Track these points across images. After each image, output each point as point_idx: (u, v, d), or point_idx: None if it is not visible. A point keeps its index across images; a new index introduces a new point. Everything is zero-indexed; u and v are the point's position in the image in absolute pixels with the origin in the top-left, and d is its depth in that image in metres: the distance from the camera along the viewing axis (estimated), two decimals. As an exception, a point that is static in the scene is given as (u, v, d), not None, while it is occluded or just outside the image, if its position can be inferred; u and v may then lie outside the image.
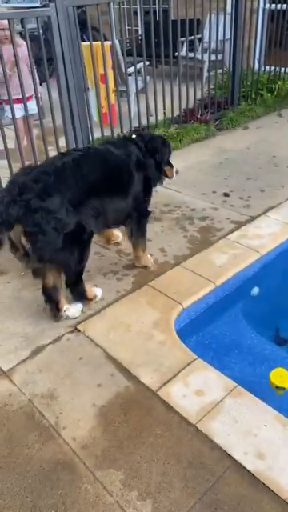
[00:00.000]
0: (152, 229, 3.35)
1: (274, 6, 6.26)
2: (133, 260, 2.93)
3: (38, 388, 2.06)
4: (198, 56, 5.95)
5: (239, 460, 1.70)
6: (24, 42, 3.83)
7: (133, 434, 1.83)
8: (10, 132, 3.83)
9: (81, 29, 4.28)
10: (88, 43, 4.22)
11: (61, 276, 2.39)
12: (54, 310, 2.44)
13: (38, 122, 3.98)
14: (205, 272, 2.80)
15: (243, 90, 5.87)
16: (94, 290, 2.60)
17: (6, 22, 3.46)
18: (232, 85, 5.66)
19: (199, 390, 2.00)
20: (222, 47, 5.84)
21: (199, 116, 5.27)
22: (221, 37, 5.45)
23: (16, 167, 3.68)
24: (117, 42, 4.86)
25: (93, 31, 4.41)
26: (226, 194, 3.83)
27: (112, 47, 4.52)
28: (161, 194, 3.31)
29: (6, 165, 3.63)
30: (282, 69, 6.36)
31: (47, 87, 3.84)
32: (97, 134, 4.42)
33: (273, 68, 6.27)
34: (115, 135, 4.39)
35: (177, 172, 3.02)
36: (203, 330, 2.63)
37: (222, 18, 5.34)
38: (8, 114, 3.89)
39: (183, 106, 5.18)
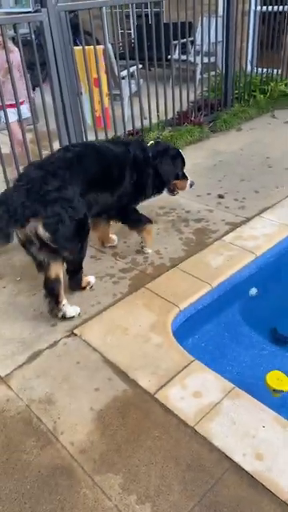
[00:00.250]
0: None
1: (265, 8, 6.31)
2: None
3: (36, 393, 2.05)
4: (191, 59, 5.97)
5: (238, 461, 1.70)
6: (16, 48, 3.83)
7: (131, 437, 1.83)
8: (2, 137, 3.83)
9: (73, 33, 4.29)
10: (81, 47, 4.22)
11: (63, 267, 2.49)
12: (53, 303, 2.46)
13: (32, 126, 3.99)
14: (201, 274, 2.80)
15: (236, 91, 5.90)
16: (88, 278, 2.76)
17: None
18: (225, 87, 5.69)
19: (197, 392, 2.00)
20: (215, 50, 5.88)
21: (193, 118, 5.29)
22: (213, 39, 5.49)
23: (9, 172, 3.69)
24: (109, 46, 4.87)
25: (85, 35, 4.42)
26: (221, 196, 3.84)
27: (105, 51, 4.53)
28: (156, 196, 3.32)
29: (0, 169, 3.63)
30: (275, 70, 6.40)
31: (40, 92, 3.84)
32: (91, 138, 4.42)
33: (265, 70, 6.30)
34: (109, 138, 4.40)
35: (191, 185, 3.10)
36: (200, 332, 2.62)
37: (213, 20, 5.38)
38: (2, 118, 3.89)
39: (177, 108, 5.20)
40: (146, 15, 4.77)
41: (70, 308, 2.50)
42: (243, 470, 1.67)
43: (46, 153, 3.90)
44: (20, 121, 3.84)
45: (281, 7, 6.25)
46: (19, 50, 3.62)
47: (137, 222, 3.01)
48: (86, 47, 4.25)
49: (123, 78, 5.03)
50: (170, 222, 3.50)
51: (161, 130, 5.01)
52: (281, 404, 2.12)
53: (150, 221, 3.06)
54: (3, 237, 2.11)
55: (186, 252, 3.07)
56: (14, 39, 4.50)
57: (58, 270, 2.43)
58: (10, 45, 4.02)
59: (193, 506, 1.57)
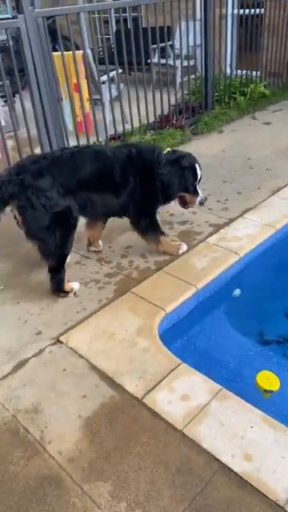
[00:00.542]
0: (132, 236, 3.35)
1: (242, 11, 6.39)
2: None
3: (22, 403, 2.02)
4: (171, 62, 6.01)
5: (227, 463, 1.69)
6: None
7: (119, 443, 1.81)
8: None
9: (52, 39, 4.29)
10: (60, 53, 4.21)
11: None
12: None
13: (13, 133, 3.96)
14: (186, 276, 2.80)
15: (216, 94, 5.95)
16: (71, 284, 2.72)
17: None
18: (205, 89, 5.73)
19: (185, 395, 1.99)
20: (194, 53, 5.92)
21: (174, 121, 5.32)
22: (192, 43, 5.53)
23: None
24: (89, 51, 4.87)
25: (65, 41, 4.42)
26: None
27: (84, 56, 4.53)
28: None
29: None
30: (254, 72, 6.48)
31: (20, 99, 3.82)
32: (73, 143, 4.41)
33: (244, 72, 6.37)
34: (91, 143, 4.39)
35: (202, 202, 2.90)
36: (187, 334, 2.63)
37: (192, 24, 5.42)
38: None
39: (158, 112, 5.23)
40: (125, 20, 4.78)
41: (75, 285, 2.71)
42: (232, 471, 1.67)
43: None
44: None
45: (257, 10, 6.34)
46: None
47: (145, 230, 2.94)
48: (65, 53, 4.24)
49: (103, 83, 5.03)
50: (146, 241, 3.48)
51: (143, 134, 5.03)
52: (270, 403, 2.13)
53: (161, 233, 3.00)
54: None
55: (171, 255, 3.07)
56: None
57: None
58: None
59: (183, 509, 1.57)
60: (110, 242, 3.27)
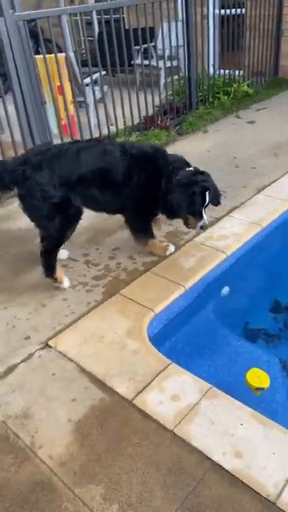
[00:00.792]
0: (119, 237, 3.36)
1: (223, 11, 6.43)
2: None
3: (12, 408, 2.01)
4: (154, 63, 6.03)
5: (218, 461, 1.70)
6: None
7: (111, 446, 1.81)
8: None
9: (34, 42, 4.27)
10: (42, 56, 4.20)
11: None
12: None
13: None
14: (174, 276, 2.81)
15: (200, 94, 5.97)
16: (63, 276, 2.81)
17: None
18: (189, 90, 5.75)
19: (175, 395, 2.00)
20: (177, 53, 5.95)
21: (159, 122, 5.33)
22: (174, 43, 5.55)
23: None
24: (71, 54, 4.87)
25: (47, 43, 4.41)
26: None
27: (67, 59, 4.52)
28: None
29: None
30: (237, 72, 6.52)
31: (3, 102, 3.80)
32: (58, 146, 4.41)
33: (227, 71, 6.41)
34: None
35: (202, 227, 2.80)
36: (176, 334, 2.63)
37: (174, 25, 5.44)
38: None
39: (143, 113, 5.24)
40: (107, 22, 4.79)
41: (62, 253, 2.93)
42: (223, 469, 1.68)
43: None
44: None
45: (238, 10, 6.39)
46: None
47: (137, 231, 2.97)
48: (48, 55, 4.23)
49: (87, 85, 5.03)
50: (133, 241, 3.48)
51: (128, 135, 5.03)
52: (259, 400, 2.15)
53: (151, 237, 3.02)
54: None
55: (158, 256, 3.08)
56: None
57: None
58: None
59: (175, 509, 1.57)
60: (98, 245, 3.27)
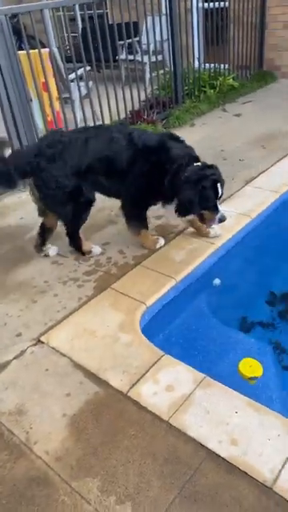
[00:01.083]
0: (109, 232, 3.35)
1: (206, 4, 6.42)
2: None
3: (5, 405, 1.99)
4: (139, 58, 6.00)
5: (214, 449, 1.71)
6: None
7: (106, 438, 1.81)
8: None
9: (17, 38, 4.22)
10: (25, 52, 4.15)
11: (57, 222, 3.00)
12: (39, 242, 3.07)
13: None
14: (165, 269, 2.81)
15: (186, 88, 5.97)
16: (91, 246, 3.04)
17: None
18: (175, 84, 5.75)
19: (169, 386, 2.00)
20: (161, 48, 5.93)
21: (146, 117, 5.32)
22: (159, 38, 5.54)
23: None
24: (55, 49, 4.82)
25: (30, 39, 4.36)
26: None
27: (51, 54, 4.48)
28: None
29: None
30: (222, 65, 6.53)
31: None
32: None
33: (213, 65, 6.42)
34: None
35: (222, 219, 2.75)
36: (169, 326, 2.63)
37: (158, 19, 5.42)
38: None
39: (129, 108, 5.22)
40: (91, 17, 4.75)
41: (52, 250, 3.10)
42: (220, 456, 1.68)
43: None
44: None
45: (222, 3, 6.39)
46: None
47: (131, 218, 2.96)
48: (31, 51, 4.19)
49: (72, 81, 4.99)
50: (126, 228, 3.48)
51: (115, 131, 5.00)
52: (254, 387, 2.16)
53: (143, 227, 3.01)
54: (9, 182, 2.72)
55: (148, 249, 3.07)
56: None
57: (54, 222, 3.01)
58: None
59: (173, 498, 1.57)
60: (87, 240, 3.24)
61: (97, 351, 2.24)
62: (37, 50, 4.22)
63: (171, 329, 2.62)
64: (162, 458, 1.71)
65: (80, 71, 4.95)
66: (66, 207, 2.79)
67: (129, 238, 3.22)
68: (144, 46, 6.35)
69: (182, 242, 3.11)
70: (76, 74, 4.79)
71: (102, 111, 4.87)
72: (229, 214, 3.37)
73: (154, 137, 2.85)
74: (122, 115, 5.13)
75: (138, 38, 6.48)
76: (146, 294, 2.61)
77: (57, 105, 4.66)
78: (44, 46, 4.77)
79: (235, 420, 1.82)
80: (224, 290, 2.93)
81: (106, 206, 3.45)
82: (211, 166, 2.77)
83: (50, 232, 3.05)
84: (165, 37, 5.55)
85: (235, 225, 3.24)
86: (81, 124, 4.82)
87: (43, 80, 4.38)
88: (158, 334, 2.54)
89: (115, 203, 3.59)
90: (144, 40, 6.25)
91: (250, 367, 2.22)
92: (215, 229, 3.08)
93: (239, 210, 3.41)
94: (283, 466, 1.62)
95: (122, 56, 5.85)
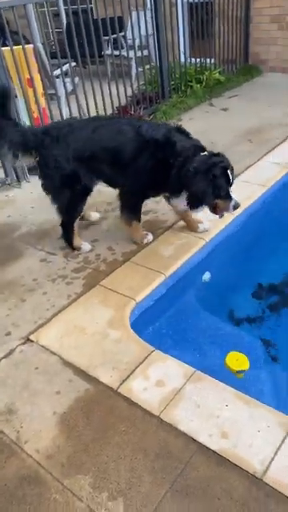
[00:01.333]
0: (97, 229, 3.34)
1: (191, -2, 6.40)
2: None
3: (-5, 405, 1.98)
4: (124, 53, 5.97)
5: (204, 443, 1.72)
6: None
7: (97, 435, 1.81)
8: None
9: (0, 34, 4.17)
10: (9, 48, 4.10)
11: None
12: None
13: None
14: (154, 265, 2.81)
15: (173, 83, 5.95)
16: (81, 243, 3.05)
17: None
18: (161, 79, 5.72)
19: (159, 381, 2.00)
20: (147, 43, 5.90)
21: (133, 112, 5.29)
22: (144, 32, 5.50)
23: None
24: (40, 45, 4.77)
25: (14, 35, 4.31)
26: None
27: (35, 50, 4.43)
28: (103, 192, 3.29)
29: None
30: (208, 59, 6.52)
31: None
32: (30, 140, 4.33)
33: (199, 59, 6.40)
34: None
35: (235, 207, 2.70)
36: (159, 322, 2.64)
37: (142, 14, 5.39)
38: None
39: (115, 103, 5.19)
40: (75, 13, 4.71)
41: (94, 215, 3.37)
42: (210, 450, 1.69)
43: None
44: None
45: (207, -3, 6.37)
46: None
47: (124, 207, 2.93)
48: (15, 47, 4.13)
49: (57, 77, 4.95)
50: (119, 217, 3.48)
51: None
52: (243, 380, 2.17)
53: (136, 219, 2.99)
54: (13, 156, 2.78)
55: (137, 245, 3.06)
56: None
57: None
58: None
59: (164, 493, 1.58)
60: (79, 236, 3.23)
61: (86, 348, 2.23)
62: (21, 46, 4.17)
63: (161, 324, 2.63)
64: (153, 453, 1.71)
65: (65, 67, 4.91)
66: (61, 191, 2.82)
67: (118, 235, 3.22)
68: (129, 41, 6.31)
69: (171, 237, 3.11)
70: (61, 70, 4.75)
71: (88, 107, 4.84)
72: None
73: (161, 131, 2.79)
74: (109, 111, 5.10)
75: (123, 33, 6.44)
76: (135, 289, 2.61)
77: (42, 101, 4.61)
78: (28, 42, 4.71)
79: (225, 413, 1.84)
80: (213, 284, 2.94)
81: (95, 202, 3.43)
82: (218, 154, 2.71)
83: None
84: (150, 31, 5.51)
85: (223, 219, 3.23)
86: (67, 120, 4.78)
87: (28, 76, 4.33)
88: (148, 329, 2.55)
89: (104, 199, 3.59)
90: (129, 35, 6.21)
91: (237, 361, 2.23)
92: (204, 224, 3.09)
93: (227, 204, 3.41)
94: (273, 457, 1.64)
95: (108, 51, 5.81)
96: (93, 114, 4.97)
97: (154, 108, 5.58)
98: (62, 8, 5.79)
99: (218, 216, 2.83)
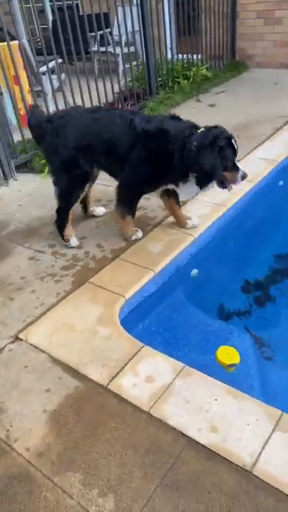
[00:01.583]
0: (86, 226, 3.32)
1: (178, -6, 6.39)
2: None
3: (-16, 405, 1.97)
4: (111, 50, 5.94)
5: (194, 437, 1.73)
6: None
7: (87, 432, 1.81)
8: None
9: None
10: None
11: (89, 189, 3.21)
12: (84, 210, 3.40)
13: None
14: (143, 261, 2.81)
15: (160, 79, 5.94)
16: (72, 237, 3.09)
17: None
18: (148, 75, 5.71)
19: (149, 377, 2.01)
20: (133, 39, 5.88)
21: (120, 109, 5.27)
22: (130, 29, 5.48)
23: None
24: (25, 41, 4.72)
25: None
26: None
27: (20, 46, 4.39)
28: (92, 189, 3.28)
29: None
30: (195, 55, 6.52)
31: None
32: (17, 138, 4.31)
33: (186, 56, 6.40)
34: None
35: (243, 177, 2.69)
36: (148, 318, 2.64)
37: (129, 9, 5.37)
38: None
39: (102, 100, 5.16)
40: (60, 9, 4.67)
41: (98, 210, 3.44)
42: (200, 444, 1.70)
43: None
44: None
45: (193, -7, 6.36)
46: None
47: (120, 199, 2.93)
48: (0, 44, 4.09)
49: (43, 74, 4.91)
50: (108, 214, 3.47)
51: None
52: (232, 374, 2.18)
53: (130, 213, 2.98)
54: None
55: (126, 242, 3.06)
56: None
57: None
58: None
59: (155, 487, 1.59)
60: (74, 228, 3.21)
61: (76, 346, 2.23)
62: (6, 43, 4.13)
63: (151, 320, 2.63)
64: (143, 448, 1.72)
65: (52, 64, 4.87)
66: (61, 176, 2.93)
67: (107, 232, 3.21)
68: (116, 38, 6.28)
69: (160, 233, 3.11)
70: (47, 67, 4.71)
71: (75, 104, 4.80)
72: (205, 204, 3.41)
73: (154, 122, 2.77)
74: (96, 108, 5.07)
75: (109, 30, 6.41)
76: (124, 286, 2.61)
77: (29, 98, 4.58)
78: (13, 39, 4.67)
79: (215, 407, 1.85)
80: (202, 279, 2.95)
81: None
82: (216, 127, 2.67)
83: (86, 198, 3.30)
84: (136, 28, 5.49)
85: (211, 215, 3.26)
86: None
87: (14, 73, 4.29)
88: (138, 325, 2.55)
89: (92, 195, 3.57)
90: (116, 31, 6.18)
91: (228, 355, 2.24)
92: (193, 220, 3.10)
93: (215, 200, 3.42)
94: (262, 450, 1.66)
95: (94, 48, 5.78)
96: (80, 110, 4.95)
97: (141, 104, 5.57)
98: (48, 4, 5.74)
99: (227, 189, 2.77)
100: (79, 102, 4.86)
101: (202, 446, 1.69)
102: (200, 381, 1.97)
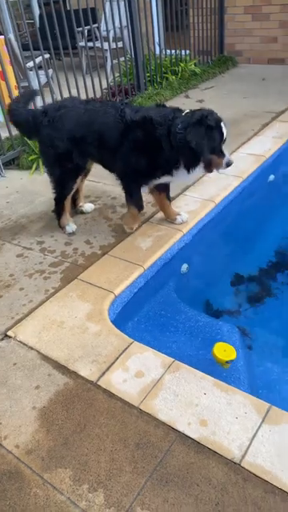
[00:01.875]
0: (75, 222, 3.31)
1: (165, -11, 6.37)
2: None
3: (-27, 403, 1.96)
4: (99, 45, 5.90)
5: (183, 431, 1.74)
6: None
7: (77, 428, 1.81)
8: None
9: None
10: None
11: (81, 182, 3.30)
12: (72, 205, 3.34)
13: None
14: (132, 257, 2.81)
15: (148, 74, 5.93)
16: (67, 223, 3.18)
17: None
18: (136, 71, 5.69)
19: (139, 372, 2.01)
20: (121, 34, 5.85)
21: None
22: (118, 24, 5.45)
23: None
24: (11, 36, 4.68)
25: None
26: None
27: (6, 41, 4.34)
28: (83, 184, 3.28)
29: None
30: (183, 51, 6.51)
31: None
32: (4, 134, 4.27)
33: (174, 51, 6.39)
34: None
35: (228, 164, 2.64)
36: (138, 314, 2.64)
37: (116, 4, 5.34)
38: None
39: (91, 96, 5.13)
40: (47, 4, 4.62)
41: (87, 206, 3.46)
42: (189, 438, 1.71)
43: None
44: None
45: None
46: None
47: (125, 193, 2.99)
48: (-15, 39, 4.05)
49: (30, 70, 4.87)
50: (96, 210, 3.47)
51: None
52: (221, 369, 2.20)
53: (138, 206, 2.97)
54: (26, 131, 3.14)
55: (115, 238, 3.06)
56: None
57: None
58: None
59: (144, 481, 1.59)
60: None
61: (65, 342, 2.22)
62: (-9, 38, 4.09)
63: (141, 316, 2.64)
64: (133, 443, 1.73)
65: (39, 59, 4.83)
66: (55, 168, 3.01)
67: (95, 228, 3.21)
68: (104, 33, 6.24)
69: (149, 229, 3.11)
70: (34, 62, 4.67)
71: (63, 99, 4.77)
72: (194, 200, 3.42)
73: (140, 112, 2.77)
74: (84, 104, 5.04)
75: (97, 25, 6.37)
76: (114, 282, 2.61)
77: (16, 94, 4.53)
78: (0, 34, 4.62)
79: (204, 401, 1.86)
80: (191, 274, 2.96)
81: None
82: (200, 110, 2.65)
83: (77, 192, 3.32)
84: (124, 23, 5.46)
85: (200, 211, 3.27)
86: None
87: (0, 69, 4.25)
88: (128, 321, 2.55)
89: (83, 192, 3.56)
90: (103, 27, 6.14)
91: (225, 351, 2.24)
92: (182, 215, 3.11)
93: (204, 196, 3.44)
94: (250, 442, 1.67)
95: (82, 43, 5.73)
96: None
97: (129, 100, 5.54)
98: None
99: (210, 173, 2.78)
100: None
101: (192, 439, 1.70)
102: (190, 375, 1.98)
